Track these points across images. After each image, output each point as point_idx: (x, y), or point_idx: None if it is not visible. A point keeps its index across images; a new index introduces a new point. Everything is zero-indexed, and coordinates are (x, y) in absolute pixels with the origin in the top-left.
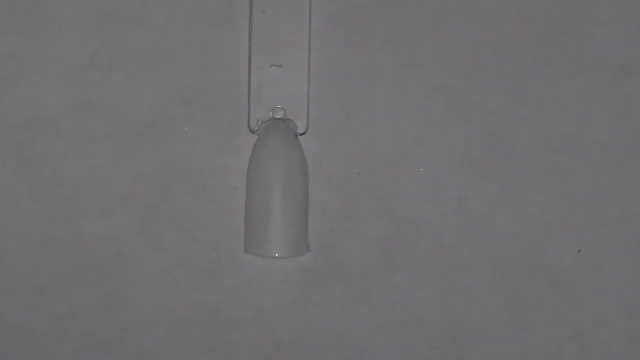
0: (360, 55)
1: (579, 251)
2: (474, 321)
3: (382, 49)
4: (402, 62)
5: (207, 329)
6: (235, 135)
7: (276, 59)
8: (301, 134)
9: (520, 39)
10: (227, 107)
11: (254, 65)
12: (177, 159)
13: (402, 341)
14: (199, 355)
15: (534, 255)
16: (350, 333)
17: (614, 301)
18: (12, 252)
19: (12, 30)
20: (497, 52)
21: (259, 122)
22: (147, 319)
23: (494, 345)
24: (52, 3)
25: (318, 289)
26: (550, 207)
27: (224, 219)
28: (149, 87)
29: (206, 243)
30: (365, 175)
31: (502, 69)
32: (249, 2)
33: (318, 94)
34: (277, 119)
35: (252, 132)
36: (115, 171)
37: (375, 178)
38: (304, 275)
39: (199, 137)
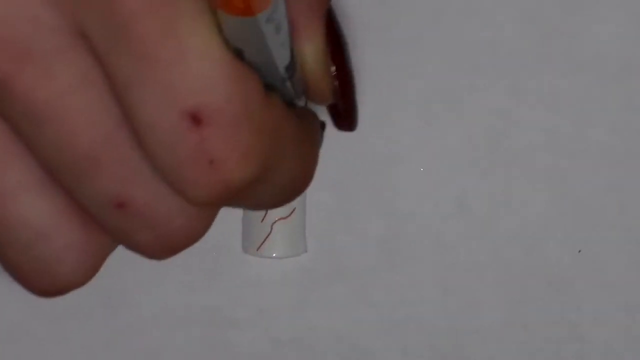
0: (360, 55)
1: (579, 251)
2: (474, 321)
3: (382, 49)
4: (402, 62)
5: (206, 329)
6: None
7: None
8: None
9: (520, 39)
10: None
11: None
12: None
13: (402, 341)
14: (199, 355)
15: (534, 255)
16: (350, 333)
17: (614, 301)
18: None
19: None
20: (497, 52)
21: None
22: (147, 319)
23: (494, 345)
24: None
25: (318, 289)
26: (550, 207)
27: (223, 219)
28: None
29: (206, 243)
30: (365, 175)
31: (502, 69)
32: None
33: None
34: None
35: None
36: None
37: (375, 178)
38: (304, 275)
39: None
